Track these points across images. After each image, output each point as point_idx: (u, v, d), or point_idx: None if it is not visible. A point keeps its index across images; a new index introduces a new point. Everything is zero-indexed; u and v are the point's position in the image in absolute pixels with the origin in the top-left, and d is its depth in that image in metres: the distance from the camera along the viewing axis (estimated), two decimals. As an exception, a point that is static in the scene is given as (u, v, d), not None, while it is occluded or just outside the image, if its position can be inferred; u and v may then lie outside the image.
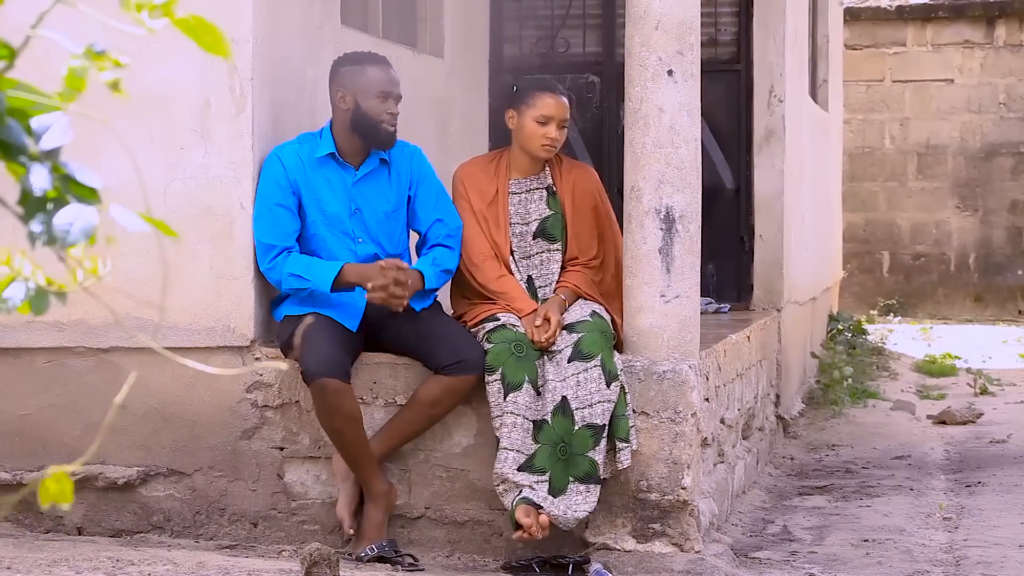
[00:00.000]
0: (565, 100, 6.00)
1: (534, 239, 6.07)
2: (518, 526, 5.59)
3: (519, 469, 5.61)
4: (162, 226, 1.76)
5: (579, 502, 5.64)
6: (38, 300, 1.75)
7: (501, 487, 5.65)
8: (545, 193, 6.09)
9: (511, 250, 6.04)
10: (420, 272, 5.83)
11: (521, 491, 5.61)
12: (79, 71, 1.73)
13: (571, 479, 5.64)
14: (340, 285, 5.72)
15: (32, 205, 1.71)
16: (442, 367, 5.71)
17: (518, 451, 5.63)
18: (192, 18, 1.78)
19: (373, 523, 5.75)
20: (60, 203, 1.72)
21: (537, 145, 5.97)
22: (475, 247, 5.99)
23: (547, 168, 6.12)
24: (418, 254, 6.06)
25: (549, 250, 6.08)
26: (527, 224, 6.07)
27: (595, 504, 5.67)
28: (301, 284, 5.74)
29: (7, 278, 1.76)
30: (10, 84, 1.74)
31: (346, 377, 5.63)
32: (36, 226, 1.70)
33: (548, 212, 6.08)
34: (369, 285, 5.68)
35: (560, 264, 6.08)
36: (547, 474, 5.63)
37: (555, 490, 5.63)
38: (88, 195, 1.72)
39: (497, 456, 5.63)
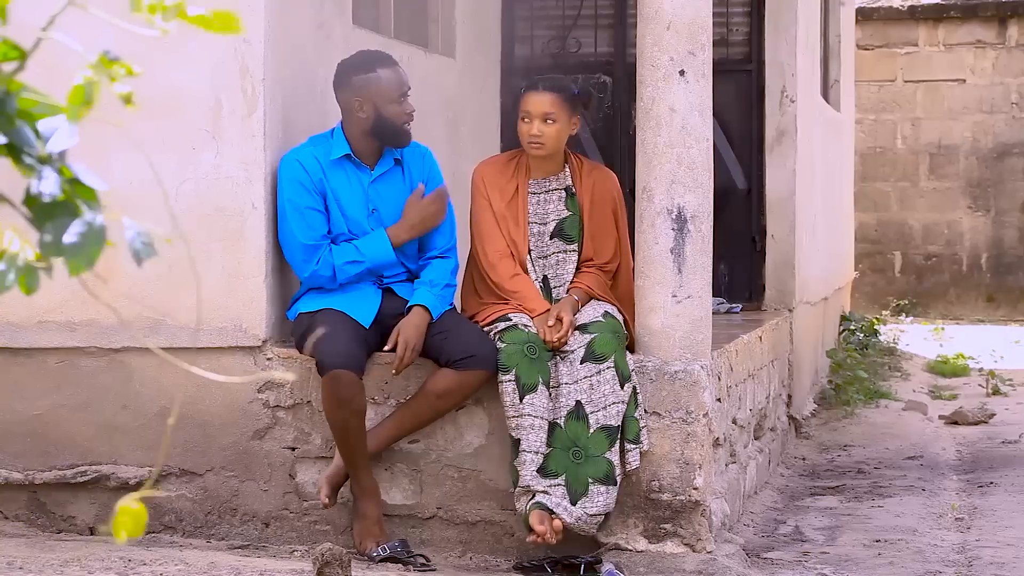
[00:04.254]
0: (546, 94, 5.92)
1: (551, 239, 6.06)
2: (531, 530, 5.58)
3: (536, 471, 5.61)
4: (168, 240, 1.76)
5: (599, 504, 5.64)
6: (29, 277, 1.75)
7: (516, 490, 5.65)
8: (564, 194, 6.08)
9: (528, 249, 6.03)
10: (425, 307, 5.84)
11: (535, 496, 5.60)
12: (87, 87, 1.73)
13: (591, 480, 5.64)
14: (398, 244, 5.88)
15: (41, 212, 1.71)
16: (453, 361, 5.71)
17: (536, 452, 5.62)
18: (202, 16, 1.79)
19: (372, 520, 5.75)
20: (69, 208, 1.71)
21: (525, 143, 5.96)
22: (491, 245, 5.98)
23: (567, 169, 6.11)
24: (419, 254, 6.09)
25: (565, 251, 6.06)
26: (545, 224, 6.06)
27: (612, 505, 5.68)
28: (359, 268, 5.82)
29: None
30: (19, 86, 1.75)
31: (360, 371, 5.64)
32: (47, 236, 1.70)
33: (566, 213, 6.06)
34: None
35: (576, 265, 6.06)
36: (561, 478, 5.63)
37: (574, 494, 5.62)
38: (89, 196, 1.72)
39: (520, 459, 5.62)
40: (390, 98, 5.87)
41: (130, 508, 1.79)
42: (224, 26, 1.81)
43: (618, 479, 5.68)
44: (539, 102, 5.91)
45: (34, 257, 1.75)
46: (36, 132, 1.73)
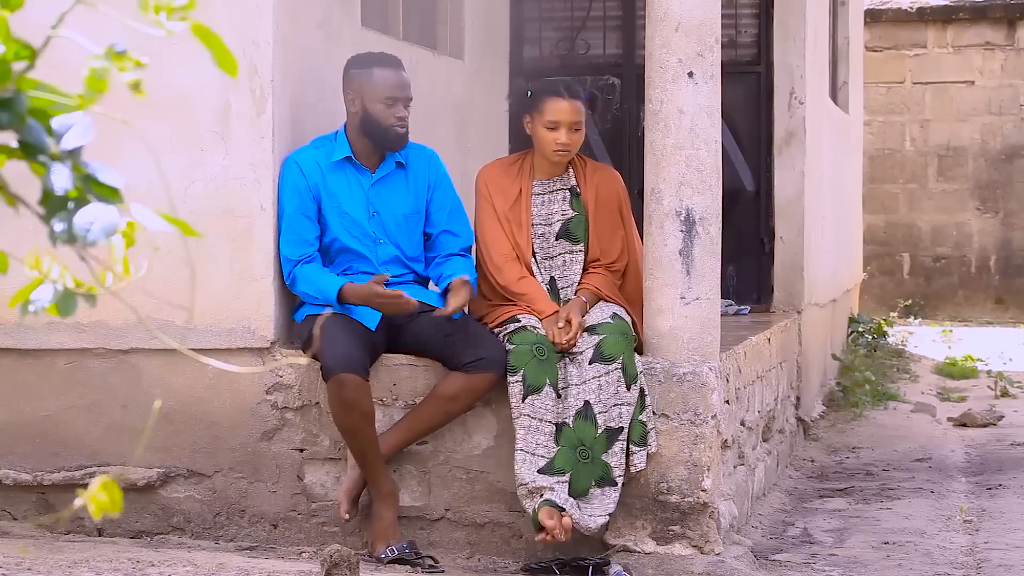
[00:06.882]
0: (574, 103, 5.92)
1: (556, 240, 6.06)
2: (540, 528, 5.58)
3: (539, 471, 5.61)
4: (184, 226, 1.76)
5: (596, 506, 5.64)
6: (65, 302, 1.75)
7: (521, 490, 5.65)
8: (568, 194, 6.07)
9: (533, 251, 6.03)
10: (466, 279, 5.84)
11: (543, 494, 5.60)
12: (100, 72, 1.73)
13: (592, 482, 5.64)
14: (345, 301, 5.76)
15: (53, 204, 1.71)
16: (462, 364, 5.71)
17: (533, 453, 5.62)
18: (205, 30, 1.78)
19: (387, 523, 5.75)
20: (81, 202, 1.71)
21: (550, 151, 5.95)
22: (497, 249, 5.98)
23: (571, 169, 6.10)
24: (425, 255, 6.07)
25: (571, 251, 6.06)
26: (550, 225, 6.06)
27: (614, 507, 5.67)
28: (314, 300, 5.82)
29: (35, 281, 1.76)
30: (31, 84, 1.75)
31: (365, 374, 5.63)
32: (57, 224, 1.70)
33: (571, 213, 6.06)
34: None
35: (582, 265, 6.06)
36: (567, 475, 5.63)
37: (575, 492, 5.63)
38: (110, 194, 1.72)
39: (515, 458, 5.63)
40: (376, 96, 5.85)
41: (108, 484, 1.79)
42: (222, 62, 1.82)
43: (618, 480, 5.67)
44: (568, 111, 5.90)
45: (74, 283, 1.76)
46: (49, 130, 1.73)
